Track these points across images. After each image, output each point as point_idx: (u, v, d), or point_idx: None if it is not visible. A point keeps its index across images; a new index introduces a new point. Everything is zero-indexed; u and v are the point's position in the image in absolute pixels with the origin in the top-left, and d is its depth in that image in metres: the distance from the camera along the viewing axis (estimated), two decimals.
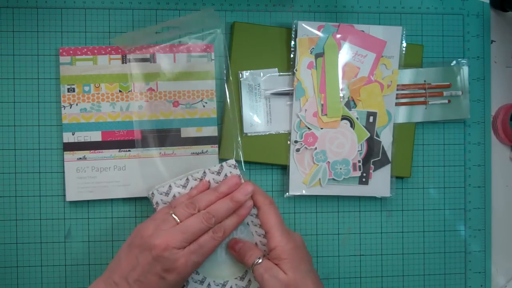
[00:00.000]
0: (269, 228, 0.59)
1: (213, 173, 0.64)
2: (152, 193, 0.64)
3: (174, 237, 0.55)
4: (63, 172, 0.67)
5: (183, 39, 0.69)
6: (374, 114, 0.69)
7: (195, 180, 0.64)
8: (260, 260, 0.58)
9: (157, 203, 0.63)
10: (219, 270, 0.64)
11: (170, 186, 0.64)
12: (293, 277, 0.56)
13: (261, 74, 0.69)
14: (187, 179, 0.64)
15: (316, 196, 0.71)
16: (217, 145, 0.69)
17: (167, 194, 0.64)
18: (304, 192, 0.69)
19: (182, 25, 0.68)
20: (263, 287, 0.57)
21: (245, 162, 0.70)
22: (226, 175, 0.64)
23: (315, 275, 0.59)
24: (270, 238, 0.59)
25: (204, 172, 0.64)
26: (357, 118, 0.69)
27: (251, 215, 0.64)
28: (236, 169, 0.64)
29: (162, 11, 0.70)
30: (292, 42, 0.69)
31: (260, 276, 0.57)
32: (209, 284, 0.63)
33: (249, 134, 0.69)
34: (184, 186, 0.64)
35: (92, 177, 0.67)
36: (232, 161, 0.65)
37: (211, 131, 0.69)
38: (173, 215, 0.58)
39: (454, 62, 0.72)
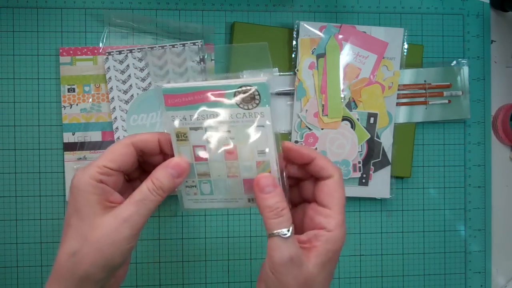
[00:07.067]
0: (334, 204, 0.45)
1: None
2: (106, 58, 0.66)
3: None
4: (63, 172, 0.67)
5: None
6: (375, 115, 0.69)
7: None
8: (289, 234, 0.42)
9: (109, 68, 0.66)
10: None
11: (126, 55, 0.66)
12: (316, 275, 0.43)
13: (261, 74, 0.69)
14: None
15: None
16: None
17: (121, 62, 0.66)
18: None
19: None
20: (272, 261, 0.42)
21: None
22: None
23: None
24: (328, 216, 0.45)
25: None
26: (357, 119, 0.69)
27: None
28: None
29: (162, 11, 0.70)
30: (294, 42, 0.69)
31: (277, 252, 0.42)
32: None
33: None
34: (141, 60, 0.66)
35: None
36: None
37: None
38: None
39: (454, 62, 0.72)
